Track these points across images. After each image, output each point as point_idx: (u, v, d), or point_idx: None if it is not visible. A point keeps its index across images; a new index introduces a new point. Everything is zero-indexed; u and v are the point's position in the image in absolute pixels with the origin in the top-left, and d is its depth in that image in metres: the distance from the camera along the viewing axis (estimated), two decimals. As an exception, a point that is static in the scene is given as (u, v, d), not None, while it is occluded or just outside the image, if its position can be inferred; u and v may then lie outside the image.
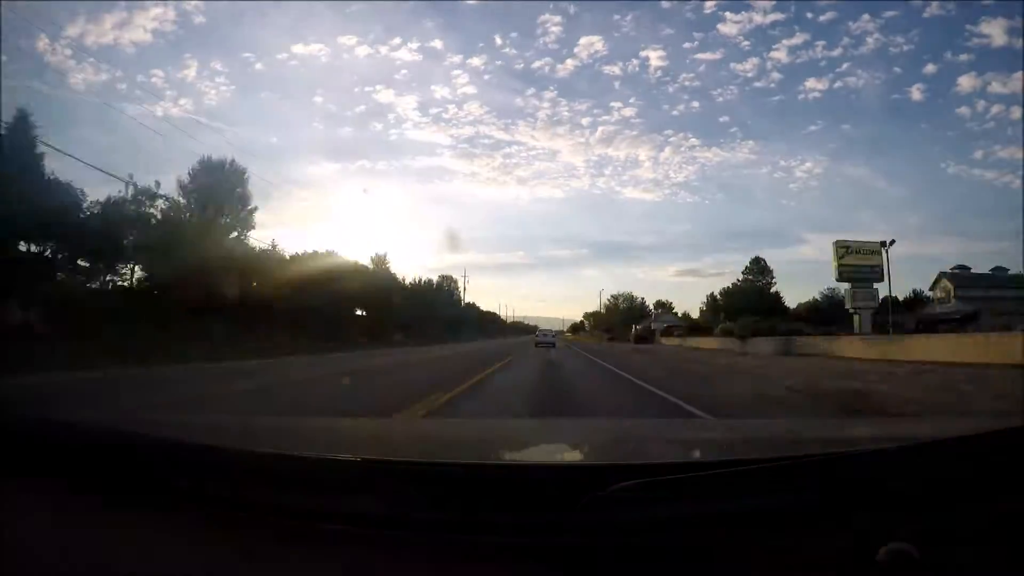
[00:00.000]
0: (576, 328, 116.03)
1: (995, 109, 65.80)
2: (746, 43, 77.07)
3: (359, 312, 38.07)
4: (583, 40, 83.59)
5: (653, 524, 0.82)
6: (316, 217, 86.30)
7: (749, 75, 77.67)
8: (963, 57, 69.99)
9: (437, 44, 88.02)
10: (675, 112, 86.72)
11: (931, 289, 43.62)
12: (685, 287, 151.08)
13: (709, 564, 0.80)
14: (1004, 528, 0.83)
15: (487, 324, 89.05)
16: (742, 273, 55.36)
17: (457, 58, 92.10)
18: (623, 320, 72.09)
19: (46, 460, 1.04)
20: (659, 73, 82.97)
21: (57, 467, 1.03)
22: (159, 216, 23.83)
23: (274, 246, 30.68)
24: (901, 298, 44.52)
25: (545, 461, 1.34)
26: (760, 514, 0.84)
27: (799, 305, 50.36)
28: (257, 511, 0.88)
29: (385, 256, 46.12)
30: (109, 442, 1.09)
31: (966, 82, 65.84)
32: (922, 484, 0.87)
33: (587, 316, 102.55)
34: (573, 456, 1.47)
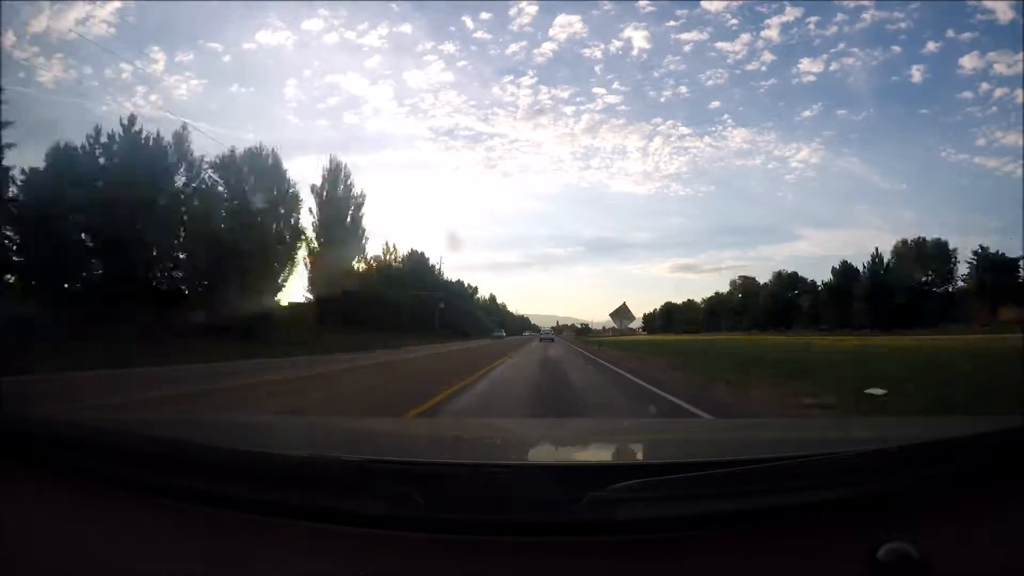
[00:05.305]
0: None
1: (999, 92, 62.67)
2: (734, 21, 73.62)
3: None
4: (560, 20, 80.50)
5: (652, 524, 0.83)
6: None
7: (739, 57, 73.68)
8: (965, 35, 65.41)
9: (406, 28, 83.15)
10: (662, 99, 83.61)
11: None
12: (682, 283, 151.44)
13: (709, 564, 0.80)
14: (1004, 528, 0.83)
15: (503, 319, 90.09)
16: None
17: (429, 44, 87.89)
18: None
19: (48, 458, 1.04)
20: (643, 56, 78.91)
21: (58, 465, 1.03)
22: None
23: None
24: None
25: (545, 461, 1.34)
26: (760, 514, 0.84)
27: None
28: (257, 511, 0.88)
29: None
30: (111, 441, 1.09)
31: (968, 62, 62.88)
32: (922, 484, 0.87)
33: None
34: (573, 456, 1.47)
